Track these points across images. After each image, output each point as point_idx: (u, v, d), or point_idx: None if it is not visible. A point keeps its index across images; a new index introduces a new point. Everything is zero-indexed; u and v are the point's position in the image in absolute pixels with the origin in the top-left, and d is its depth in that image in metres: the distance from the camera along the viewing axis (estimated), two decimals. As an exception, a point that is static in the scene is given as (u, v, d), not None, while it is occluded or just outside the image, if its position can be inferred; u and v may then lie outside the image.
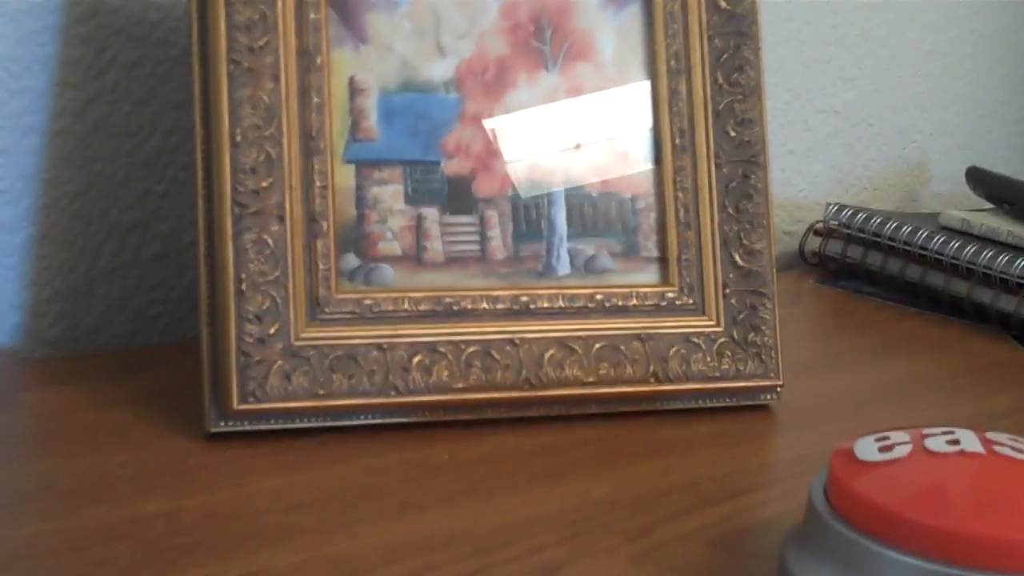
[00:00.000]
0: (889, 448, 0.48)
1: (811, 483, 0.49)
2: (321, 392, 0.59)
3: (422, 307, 0.62)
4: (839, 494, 0.47)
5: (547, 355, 0.63)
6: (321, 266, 0.61)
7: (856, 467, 0.47)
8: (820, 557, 0.46)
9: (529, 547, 0.51)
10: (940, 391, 0.75)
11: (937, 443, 0.48)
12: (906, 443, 0.48)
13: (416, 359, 0.61)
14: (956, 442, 0.48)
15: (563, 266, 0.66)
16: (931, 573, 0.43)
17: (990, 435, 0.49)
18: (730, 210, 0.67)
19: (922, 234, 0.92)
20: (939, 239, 0.91)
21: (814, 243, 1.02)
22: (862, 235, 0.96)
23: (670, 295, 0.66)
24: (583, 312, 0.65)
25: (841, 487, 0.47)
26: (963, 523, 0.44)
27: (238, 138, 0.59)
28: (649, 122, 0.68)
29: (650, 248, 0.67)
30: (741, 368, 0.66)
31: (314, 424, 0.60)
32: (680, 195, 0.67)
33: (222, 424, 0.59)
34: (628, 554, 0.51)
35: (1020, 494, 0.46)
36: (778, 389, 0.67)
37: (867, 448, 0.48)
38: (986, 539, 0.43)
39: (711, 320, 0.66)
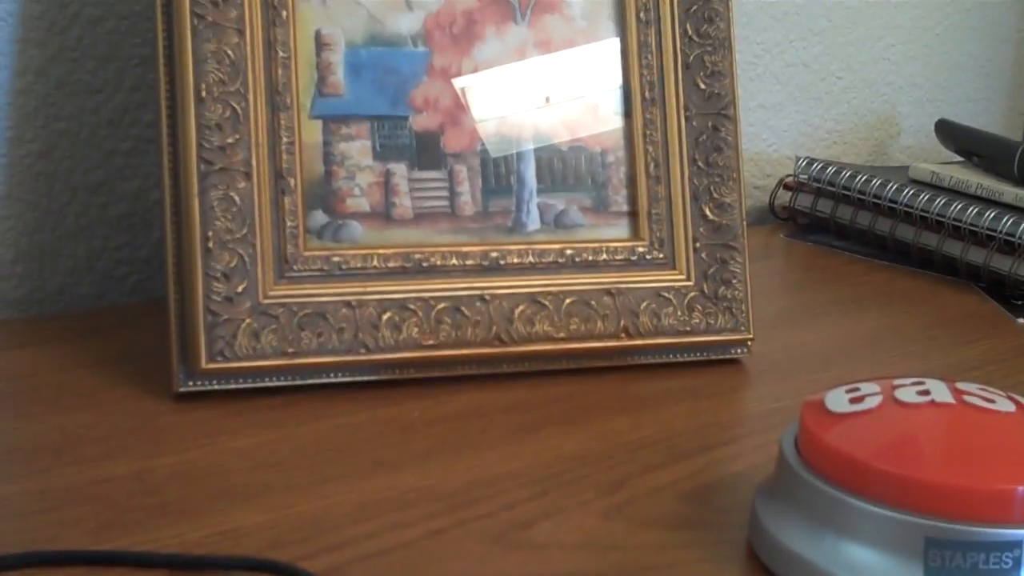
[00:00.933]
0: (860, 399, 0.48)
1: (782, 435, 0.49)
2: (290, 350, 0.59)
3: (391, 264, 0.62)
4: (810, 446, 0.47)
5: (517, 311, 0.63)
6: (288, 223, 0.60)
7: (827, 419, 0.47)
8: (791, 509, 0.46)
9: (501, 503, 0.51)
10: (911, 343, 0.76)
11: (907, 394, 0.48)
12: (877, 394, 0.48)
13: (386, 316, 0.61)
14: (926, 392, 0.48)
15: (533, 221, 0.65)
16: (901, 523, 0.43)
17: (960, 385, 0.49)
18: (700, 163, 0.67)
19: (892, 187, 0.92)
20: (909, 192, 0.91)
21: (784, 197, 1.02)
22: (832, 189, 0.96)
23: (640, 249, 0.66)
24: (553, 267, 0.64)
25: (812, 439, 0.47)
26: (933, 473, 0.44)
27: (203, 93, 0.58)
28: (619, 75, 0.67)
29: (620, 202, 0.67)
30: (712, 322, 0.66)
31: (284, 383, 0.60)
32: (650, 148, 0.67)
33: (190, 384, 0.58)
34: (600, 509, 0.51)
35: (990, 444, 0.46)
36: (749, 343, 0.67)
37: (838, 399, 0.48)
38: (956, 489, 0.43)
39: (681, 274, 0.66)
